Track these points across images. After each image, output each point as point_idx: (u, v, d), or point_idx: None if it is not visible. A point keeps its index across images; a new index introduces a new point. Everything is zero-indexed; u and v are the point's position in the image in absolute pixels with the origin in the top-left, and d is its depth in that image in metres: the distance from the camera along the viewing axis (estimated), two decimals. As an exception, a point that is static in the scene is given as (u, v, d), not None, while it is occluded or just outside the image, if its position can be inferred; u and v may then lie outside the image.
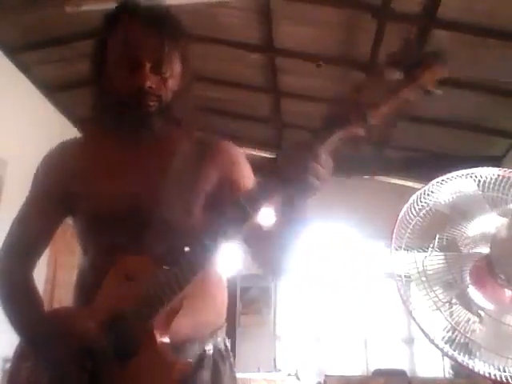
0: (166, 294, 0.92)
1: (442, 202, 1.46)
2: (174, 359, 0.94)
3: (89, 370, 0.91)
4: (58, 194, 1.12)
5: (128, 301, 0.93)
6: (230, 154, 1.19)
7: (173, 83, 1.14)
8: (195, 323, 1.05)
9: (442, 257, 1.41)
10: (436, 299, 1.37)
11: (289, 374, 4.47)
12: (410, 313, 1.39)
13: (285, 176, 0.88)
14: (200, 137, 1.20)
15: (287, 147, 0.75)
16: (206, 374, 1.05)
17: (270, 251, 1.07)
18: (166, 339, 0.95)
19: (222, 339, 1.15)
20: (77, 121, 5.07)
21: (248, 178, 1.16)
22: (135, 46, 1.06)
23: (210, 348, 1.09)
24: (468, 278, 1.39)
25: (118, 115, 1.07)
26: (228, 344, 1.17)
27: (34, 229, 1.13)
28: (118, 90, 1.07)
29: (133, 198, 1.04)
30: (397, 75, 0.78)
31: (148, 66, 1.06)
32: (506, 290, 1.37)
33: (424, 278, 1.39)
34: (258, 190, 0.93)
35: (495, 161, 4.62)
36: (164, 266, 0.94)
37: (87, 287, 1.05)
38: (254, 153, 6.42)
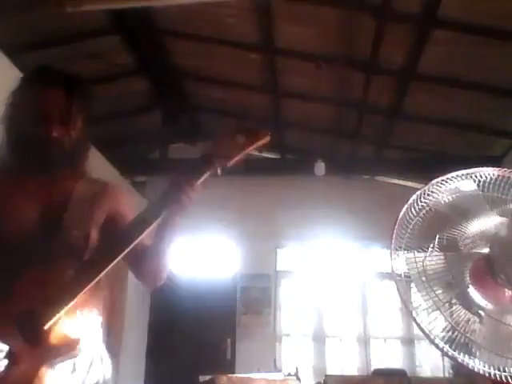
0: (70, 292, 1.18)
1: (442, 202, 1.46)
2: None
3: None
4: None
5: (39, 299, 1.17)
6: (116, 194, 1.52)
7: (75, 135, 1.39)
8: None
9: (442, 257, 1.41)
10: (436, 299, 1.37)
11: (289, 374, 4.46)
12: (410, 313, 1.39)
13: (171, 200, 1.31)
14: (92, 178, 1.49)
15: (171, 183, 1.38)
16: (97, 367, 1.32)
17: (150, 264, 1.41)
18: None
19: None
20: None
21: (130, 211, 1.48)
22: (48, 102, 1.34)
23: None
24: (468, 278, 1.39)
25: (25, 156, 1.34)
26: (104, 355, 1.38)
27: None
28: (28, 136, 1.33)
29: (34, 224, 1.31)
30: (242, 139, 1.32)
31: (56, 119, 1.33)
32: (505, 289, 1.37)
33: (424, 278, 1.39)
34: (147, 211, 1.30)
35: (495, 161, 4.62)
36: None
37: None
38: (254, 153, 6.42)
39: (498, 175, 1.44)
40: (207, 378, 3.47)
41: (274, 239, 6.16)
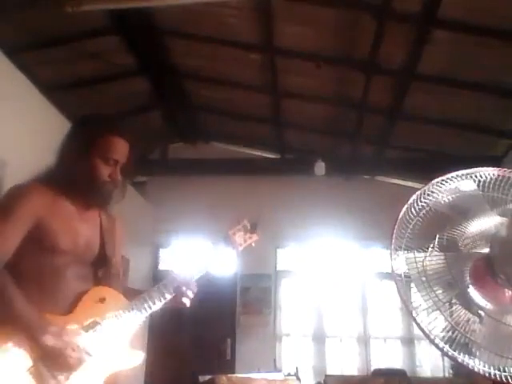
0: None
1: (442, 202, 1.46)
2: None
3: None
4: (33, 222, 1.48)
5: (100, 315, 1.51)
6: (121, 227, 1.79)
7: (121, 177, 1.65)
8: None
9: (442, 257, 1.41)
10: (436, 299, 1.37)
11: (289, 374, 4.46)
12: (409, 313, 1.39)
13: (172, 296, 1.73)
14: (107, 213, 1.74)
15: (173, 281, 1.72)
16: None
17: None
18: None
19: None
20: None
21: (123, 243, 1.80)
22: (116, 152, 1.61)
23: None
24: (468, 278, 1.39)
25: (86, 189, 1.58)
26: None
27: (12, 245, 1.45)
28: (92, 177, 1.57)
29: (85, 250, 1.58)
30: (248, 235, 1.88)
31: (119, 164, 1.62)
32: (505, 289, 1.36)
33: (424, 278, 1.39)
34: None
35: (495, 161, 4.62)
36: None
37: (56, 302, 1.47)
38: (254, 153, 6.43)
39: (498, 175, 1.44)
40: (207, 378, 3.47)
41: (274, 239, 6.16)
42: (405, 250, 1.44)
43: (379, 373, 5.23)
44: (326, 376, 4.89)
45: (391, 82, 4.35)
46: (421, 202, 1.46)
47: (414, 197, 1.47)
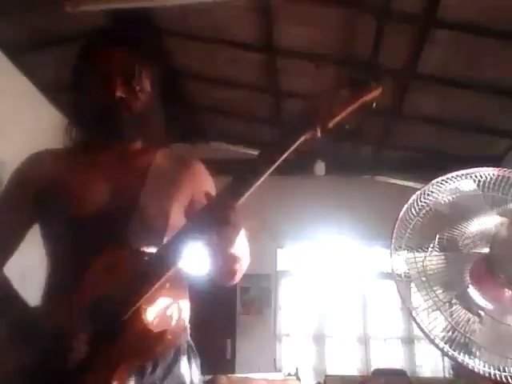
0: (146, 282, 1.01)
1: (442, 202, 1.46)
2: (160, 332, 1.03)
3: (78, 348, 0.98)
4: (33, 193, 1.19)
5: (112, 287, 1.02)
6: (202, 173, 1.33)
7: (144, 98, 1.26)
8: (169, 320, 1.12)
9: (442, 257, 1.41)
10: (436, 299, 1.37)
11: (289, 374, 4.47)
12: (409, 313, 1.39)
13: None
14: (173, 153, 1.34)
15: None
16: (183, 365, 1.19)
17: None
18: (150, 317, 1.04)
19: (188, 338, 1.32)
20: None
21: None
22: (107, 62, 1.21)
23: (183, 343, 1.26)
24: (468, 278, 1.39)
25: (94, 126, 1.21)
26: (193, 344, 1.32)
27: (8, 225, 1.19)
28: (93, 102, 1.20)
29: (109, 203, 1.16)
30: (346, 93, 1.10)
31: (119, 78, 1.19)
32: (506, 289, 1.37)
33: (424, 278, 1.39)
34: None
35: (495, 161, 4.62)
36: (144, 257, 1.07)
37: (65, 284, 1.10)
38: (254, 153, 6.43)
39: (498, 175, 1.44)
40: (207, 378, 3.47)
41: (274, 239, 6.16)
42: (405, 249, 1.44)
43: (379, 373, 5.23)
44: (326, 376, 4.89)
45: (391, 82, 4.35)
46: (421, 201, 1.46)
47: (414, 197, 1.47)
